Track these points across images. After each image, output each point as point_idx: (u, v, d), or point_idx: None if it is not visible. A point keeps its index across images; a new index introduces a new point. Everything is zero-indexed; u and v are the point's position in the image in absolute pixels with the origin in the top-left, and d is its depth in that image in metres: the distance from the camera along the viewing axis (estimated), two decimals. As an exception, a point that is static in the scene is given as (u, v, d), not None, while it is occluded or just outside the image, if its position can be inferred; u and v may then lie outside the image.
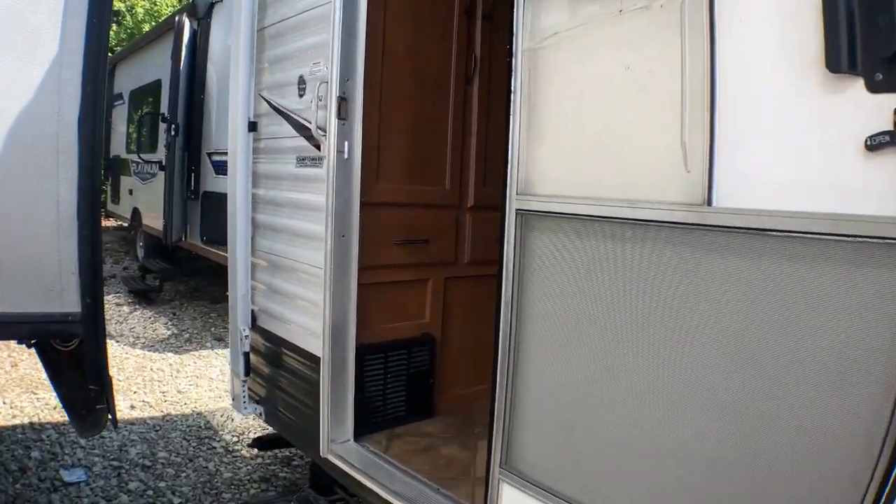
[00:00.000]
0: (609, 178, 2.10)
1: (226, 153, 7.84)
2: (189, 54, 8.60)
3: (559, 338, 2.26)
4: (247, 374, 4.10)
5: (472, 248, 4.31)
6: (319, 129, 3.38)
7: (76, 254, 3.11)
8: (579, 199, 2.14)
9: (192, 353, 7.55)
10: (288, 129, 3.77)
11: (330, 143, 3.35)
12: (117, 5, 18.26)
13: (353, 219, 3.43)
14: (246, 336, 4.07)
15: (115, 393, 3.48)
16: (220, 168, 8.22)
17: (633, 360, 2.04)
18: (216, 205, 8.04)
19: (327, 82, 3.33)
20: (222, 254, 8.06)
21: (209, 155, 8.55)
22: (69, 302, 3.13)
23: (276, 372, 3.97)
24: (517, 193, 2.32)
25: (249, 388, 4.19)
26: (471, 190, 4.28)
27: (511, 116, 2.34)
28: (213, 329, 8.51)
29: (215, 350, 7.67)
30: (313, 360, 3.53)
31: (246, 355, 4.08)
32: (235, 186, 4.09)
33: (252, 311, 4.11)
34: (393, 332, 3.94)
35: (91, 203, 3.14)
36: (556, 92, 2.25)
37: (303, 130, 3.64)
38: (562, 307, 2.23)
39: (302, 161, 3.65)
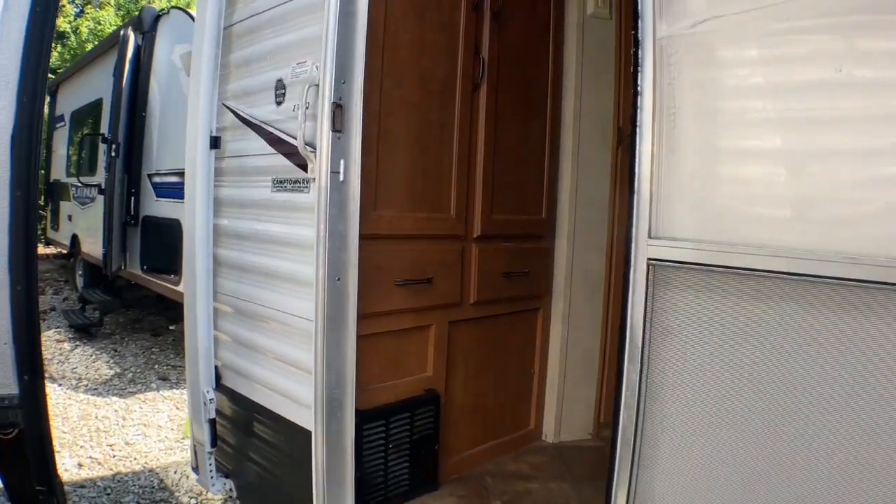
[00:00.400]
0: (806, 221, 1.48)
1: (167, 174, 7.46)
2: (132, 69, 8.02)
3: (711, 437, 1.61)
4: (213, 445, 3.35)
5: (479, 286, 3.64)
6: (307, 145, 2.69)
7: (9, 317, 2.45)
8: (755, 249, 1.49)
9: (136, 395, 6.93)
10: (260, 144, 3.10)
11: (321, 162, 2.66)
12: (62, 26, 17.36)
13: (350, 258, 2.73)
14: (211, 399, 3.33)
15: (64, 488, 2.82)
16: (161, 190, 7.74)
17: (848, 478, 1.41)
18: (157, 231, 7.71)
19: (317, 85, 2.66)
20: (164, 284, 7.61)
21: (149, 176, 7.97)
22: (3, 381, 2.47)
23: (248, 441, 3.25)
24: (649, 237, 1.64)
25: (217, 458, 3.45)
26: (477, 217, 3.60)
27: (637, 129, 1.66)
28: (156, 367, 7.89)
29: (160, 391, 7.06)
30: (301, 433, 2.82)
31: (212, 423, 3.33)
32: (194, 215, 3.38)
33: (215, 366, 3.39)
34: (392, 393, 3.25)
35: (26, 250, 2.46)
36: (714, 97, 1.62)
37: (281, 146, 2.97)
38: (718, 398, 1.58)
39: (280, 184, 2.98)
